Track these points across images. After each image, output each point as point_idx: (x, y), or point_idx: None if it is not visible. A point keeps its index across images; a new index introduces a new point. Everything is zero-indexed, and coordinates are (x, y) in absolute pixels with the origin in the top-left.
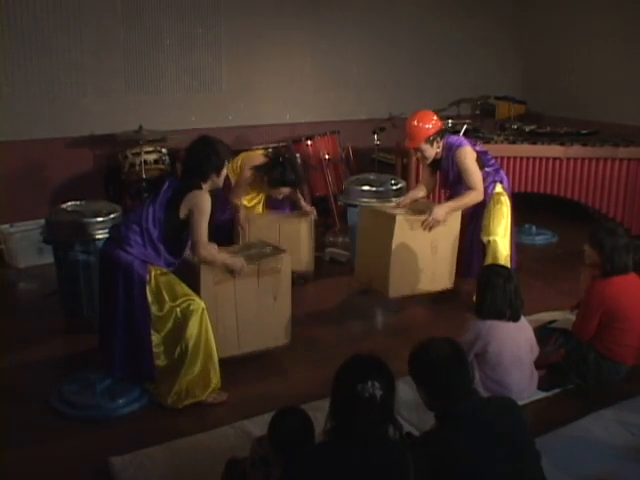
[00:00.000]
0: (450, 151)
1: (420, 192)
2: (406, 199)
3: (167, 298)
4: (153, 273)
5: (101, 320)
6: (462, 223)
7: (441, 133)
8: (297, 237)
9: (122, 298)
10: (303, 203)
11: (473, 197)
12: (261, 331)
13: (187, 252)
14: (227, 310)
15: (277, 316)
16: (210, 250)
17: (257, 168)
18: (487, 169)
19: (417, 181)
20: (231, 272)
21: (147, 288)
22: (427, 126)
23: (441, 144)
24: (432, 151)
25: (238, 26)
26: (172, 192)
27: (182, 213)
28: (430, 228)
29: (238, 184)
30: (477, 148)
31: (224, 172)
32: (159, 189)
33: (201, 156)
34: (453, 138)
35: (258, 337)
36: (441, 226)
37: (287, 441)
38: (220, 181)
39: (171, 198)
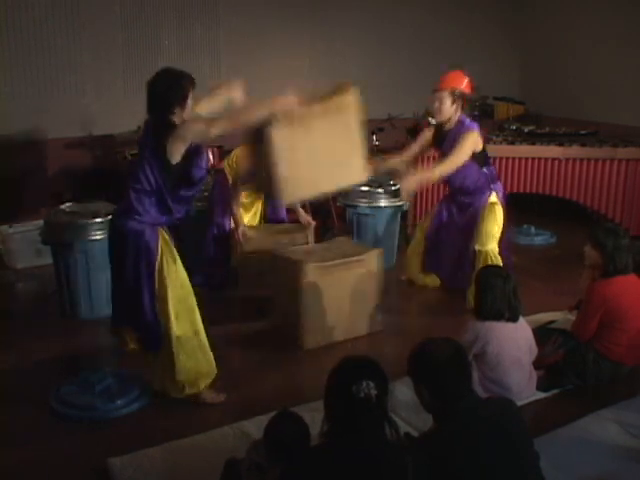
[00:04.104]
0: (460, 128)
1: (399, 162)
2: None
3: (168, 280)
4: (162, 245)
5: (114, 294)
6: (450, 230)
7: (465, 100)
8: None
9: (131, 267)
10: (302, 213)
11: (446, 169)
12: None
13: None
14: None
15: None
16: (214, 123)
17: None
18: (485, 170)
19: None
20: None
21: (156, 258)
22: (458, 81)
23: (458, 114)
24: (449, 109)
25: (237, 27)
26: (152, 140)
27: (172, 158)
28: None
29: (235, 182)
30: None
31: (189, 105)
32: (142, 151)
33: (162, 88)
34: (468, 120)
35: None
36: (360, 268)
37: (283, 446)
38: (186, 115)
39: (155, 147)
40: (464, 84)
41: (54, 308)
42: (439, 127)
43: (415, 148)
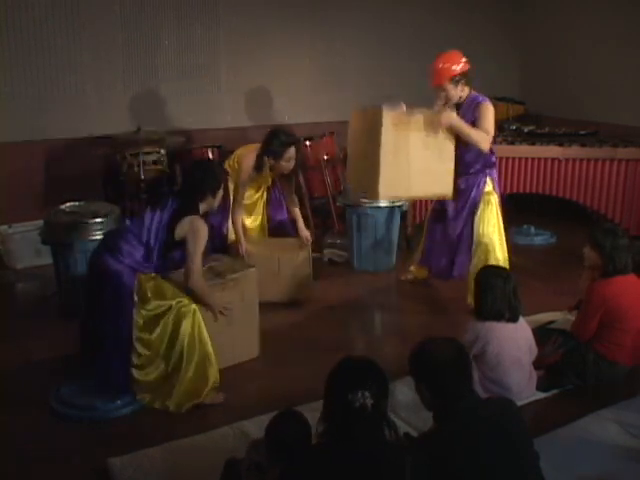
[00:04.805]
0: (472, 103)
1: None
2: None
3: (157, 302)
4: (142, 279)
5: (84, 327)
6: (443, 223)
7: (467, 76)
8: (296, 267)
9: (109, 306)
10: (301, 226)
11: (480, 137)
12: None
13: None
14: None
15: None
16: (202, 281)
17: (257, 159)
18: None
19: None
20: (209, 307)
21: (135, 296)
22: (453, 66)
23: (466, 91)
24: (456, 92)
25: (237, 26)
26: (172, 212)
27: (177, 235)
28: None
29: (238, 189)
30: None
31: (220, 195)
32: (162, 206)
33: (198, 177)
34: (480, 95)
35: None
36: (235, 288)
37: (284, 445)
38: (215, 203)
39: (170, 219)
40: (460, 65)
41: (54, 308)
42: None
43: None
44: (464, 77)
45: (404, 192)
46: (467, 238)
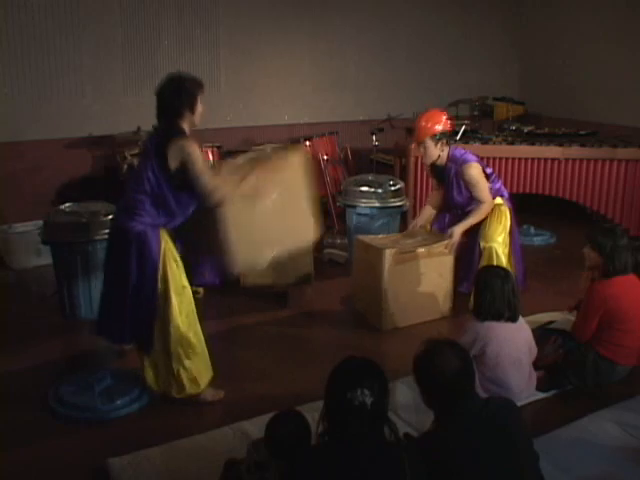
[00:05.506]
0: (455, 164)
1: (428, 212)
2: (417, 223)
3: (170, 280)
4: (164, 245)
5: (106, 291)
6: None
7: (448, 136)
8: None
9: (134, 267)
10: None
11: (485, 210)
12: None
13: None
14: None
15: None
16: (221, 186)
17: None
18: (489, 185)
19: (415, 182)
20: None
21: (159, 259)
22: (436, 126)
23: (445, 150)
24: (435, 151)
25: (237, 27)
26: (156, 145)
27: (171, 165)
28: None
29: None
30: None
31: (199, 109)
32: (147, 148)
33: (170, 95)
34: (460, 151)
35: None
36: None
37: (284, 445)
38: (197, 119)
39: (157, 151)
40: (442, 125)
41: (54, 308)
42: (433, 164)
43: (436, 194)
44: (445, 136)
45: (407, 320)
46: (477, 256)
